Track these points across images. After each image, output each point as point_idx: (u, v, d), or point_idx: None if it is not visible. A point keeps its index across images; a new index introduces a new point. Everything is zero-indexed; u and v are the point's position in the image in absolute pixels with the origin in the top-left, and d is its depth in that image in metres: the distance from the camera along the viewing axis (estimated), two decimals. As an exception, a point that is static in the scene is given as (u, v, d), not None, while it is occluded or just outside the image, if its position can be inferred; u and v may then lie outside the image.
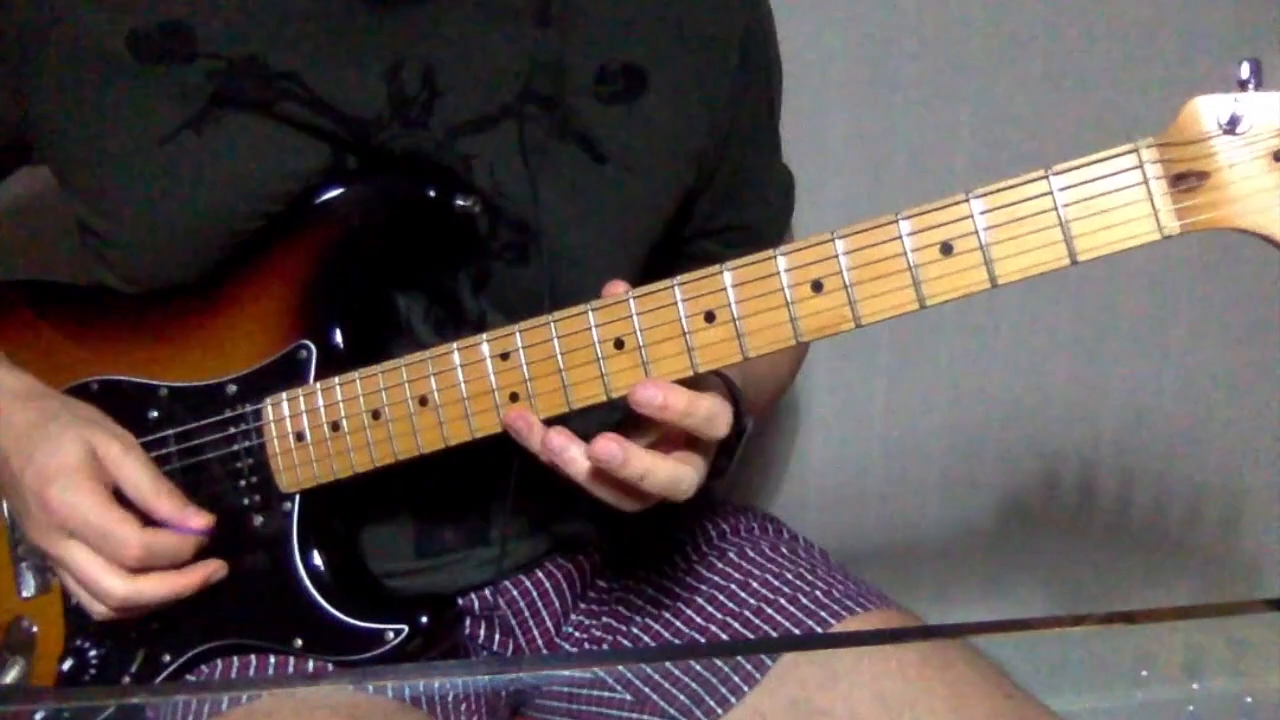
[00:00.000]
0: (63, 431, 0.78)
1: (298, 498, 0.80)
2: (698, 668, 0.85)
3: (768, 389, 0.98)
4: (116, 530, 0.76)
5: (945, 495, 1.60)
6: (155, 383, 0.84)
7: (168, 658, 0.83)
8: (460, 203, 0.79)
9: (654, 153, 0.87)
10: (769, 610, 0.88)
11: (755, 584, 0.90)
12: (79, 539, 0.77)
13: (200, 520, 0.80)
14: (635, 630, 0.92)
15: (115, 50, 0.79)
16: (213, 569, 0.81)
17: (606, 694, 0.89)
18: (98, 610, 0.79)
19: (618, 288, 0.70)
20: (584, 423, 0.71)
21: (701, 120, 0.88)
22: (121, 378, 0.84)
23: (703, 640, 0.89)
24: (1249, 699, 0.83)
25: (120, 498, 0.79)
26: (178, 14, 0.80)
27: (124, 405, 0.82)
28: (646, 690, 0.86)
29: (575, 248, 0.84)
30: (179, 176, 0.80)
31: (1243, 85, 0.58)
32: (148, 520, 0.79)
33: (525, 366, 0.72)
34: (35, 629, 0.87)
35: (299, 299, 0.81)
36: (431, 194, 0.79)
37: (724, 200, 0.93)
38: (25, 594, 0.87)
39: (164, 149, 0.80)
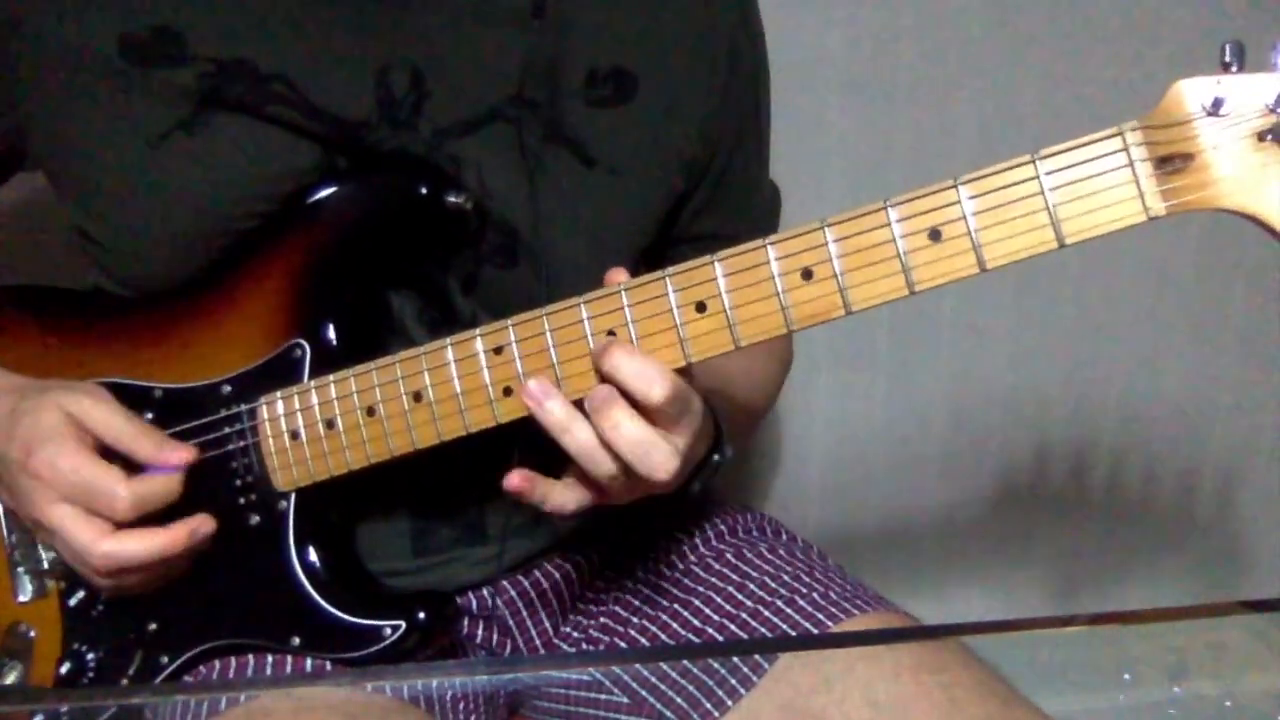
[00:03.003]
0: (35, 404, 0.78)
1: (293, 496, 0.81)
2: (694, 670, 0.84)
3: (745, 409, 0.99)
4: (103, 485, 0.76)
5: (945, 494, 1.60)
6: (150, 385, 0.84)
7: (165, 659, 0.83)
8: (452, 200, 0.80)
9: (643, 157, 0.87)
10: (766, 612, 0.88)
11: (753, 585, 0.90)
12: (68, 501, 0.77)
13: (180, 454, 0.79)
14: (633, 631, 0.92)
15: (106, 54, 0.80)
16: (198, 523, 0.80)
17: (603, 696, 0.88)
18: (95, 580, 0.79)
19: (619, 275, 0.71)
20: None
21: (691, 126, 0.89)
22: (117, 380, 0.84)
23: (699, 642, 0.89)
24: (1229, 702, 0.83)
25: (105, 453, 0.79)
26: (168, 18, 0.80)
27: None
28: (643, 693, 0.86)
29: (563, 251, 0.84)
30: (171, 178, 0.80)
31: (1225, 68, 0.59)
32: (134, 469, 0.79)
33: (519, 360, 0.72)
34: (32, 633, 0.87)
35: (292, 298, 0.81)
36: (423, 191, 0.79)
37: (706, 207, 0.94)
38: (22, 599, 0.87)
39: (156, 151, 0.80)
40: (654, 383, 0.68)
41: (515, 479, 0.72)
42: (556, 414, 0.70)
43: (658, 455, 0.69)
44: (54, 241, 1.15)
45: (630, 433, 0.68)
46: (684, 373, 0.71)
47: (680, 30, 0.88)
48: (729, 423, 0.83)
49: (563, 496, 0.74)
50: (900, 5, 1.39)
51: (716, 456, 0.81)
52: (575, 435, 0.70)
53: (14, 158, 0.88)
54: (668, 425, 0.70)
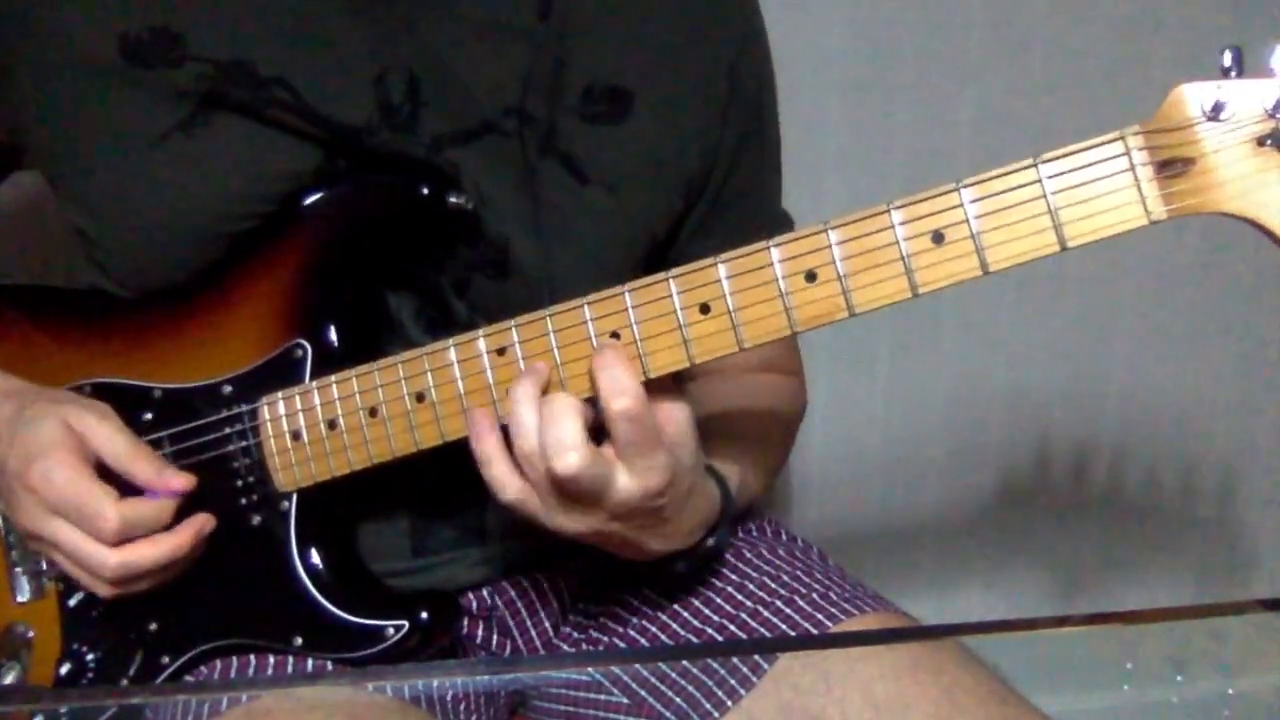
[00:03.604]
0: (39, 414, 0.78)
1: (295, 496, 0.81)
2: (694, 671, 0.84)
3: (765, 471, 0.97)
4: (91, 503, 0.76)
5: (945, 494, 1.60)
6: (150, 384, 0.84)
7: (166, 659, 0.83)
8: (453, 200, 0.80)
9: (638, 176, 0.87)
10: (765, 613, 0.88)
11: (752, 586, 0.90)
12: (60, 515, 0.77)
13: (180, 481, 0.79)
14: (632, 632, 0.92)
15: (106, 55, 0.80)
16: (200, 523, 0.80)
17: (604, 696, 0.88)
18: (98, 588, 0.79)
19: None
20: None
21: (689, 145, 0.89)
22: (116, 380, 0.84)
23: (699, 642, 0.89)
24: (1233, 695, 0.83)
25: (105, 471, 0.78)
26: (167, 19, 0.80)
27: (119, 407, 0.82)
28: (643, 693, 0.86)
29: (555, 267, 0.84)
30: (170, 179, 0.80)
31: (1225, 73, 0.60)
32: (130, 489, 0.78)
33: (522, 361, 0.72)
34: (31, 634, 0.87)
35: (293, 298, 0.81)
36: (425, 191, 0.79)
37: (703, 228, 0.93)
38: (20, 599, 0.87)
39: (155, 152, 0.80)
40: (621, 394, 0.67)
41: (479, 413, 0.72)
42: (520, 387, 0.70)
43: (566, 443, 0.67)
44: (53, 241, 1.15)
45: (563, 431, 0.67)
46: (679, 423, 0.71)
47: (681, 48, 0.88)
48: (743, 493, 0.84)
49: (504, 467, 0.72)
50: (900, 6, 1.40)
51: (711, 541, 0.80)
52: (519, 405, 0.69)
53: (12, 157, 0.88)
54: (624, 456, 0.69)
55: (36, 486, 0.76)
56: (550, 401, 0.68)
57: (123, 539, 0.77)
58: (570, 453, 0.67)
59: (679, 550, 0.79)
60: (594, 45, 0.86)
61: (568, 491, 0.69)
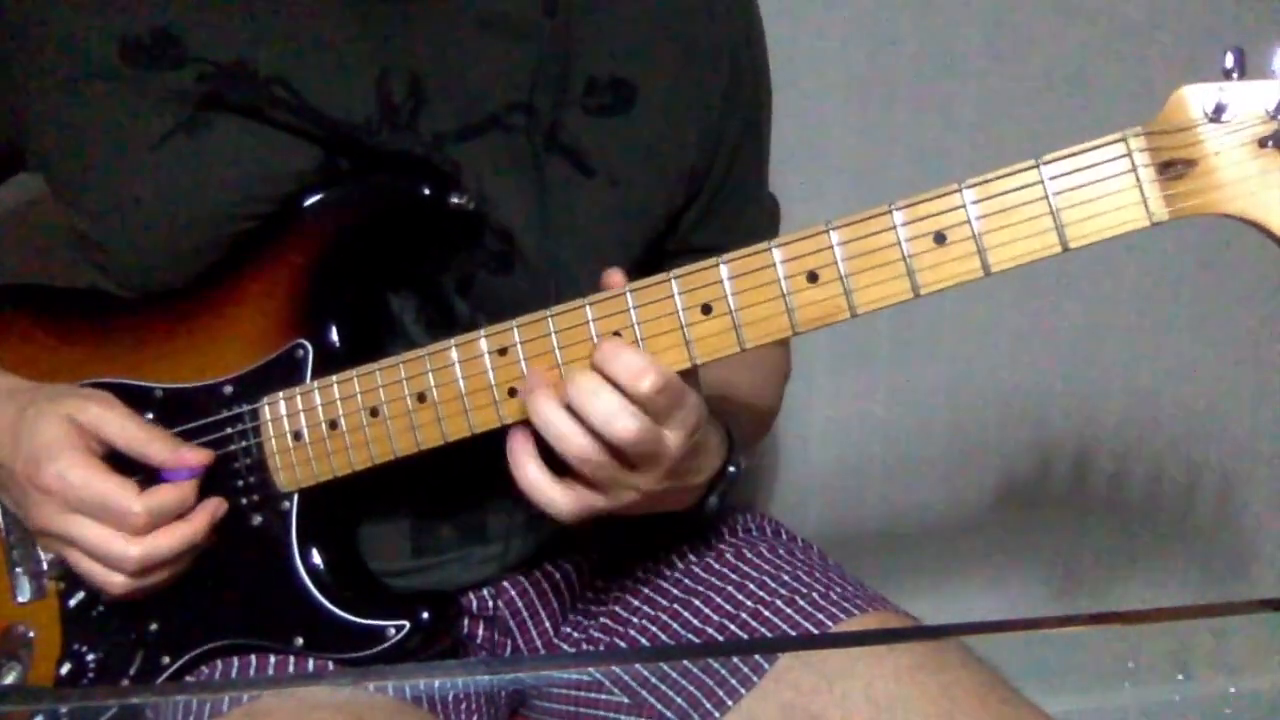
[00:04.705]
0: (40, 413, 0.78)
1: (296, 497, 0.81)
2: (694, 670, 0.84)
3: (753, 423, 0.99)
4: (115, 500, 0.76)
5: (945, 494, 1.60)
6: (151, 384, 0.84)
7: (167, 659, 0.83)
8: (454, 200, 0.80)
9: (642, 168, 0.87)
10: (766, 612, 0.88)
11: (753, 585, 0.90)
12: (81, 513, 0.77)
13: (196, 456, 0.80)
14: (633, 631, 0.92)
15: (106, 58, 0.80)
16: (214, 506, 0.80)
17: (604, 696, 0.88)
18: (115, 582, 0.78)
19: (615, 277, 0.71)
20: None
21: (691, 136, 0.89)
22: (117, 380, 0.84)
23: (699, 642, 0.89)
24: (1234, 695, 0.83)
25: (116, 458, 0.79)
26: (167, 21, 0.80)
27: None
28: (643, 693, 0.86)
29: (559, 260, 0.84)
30: (171, 180, 0.81)
31: (1227, 74, 0.60)
32: (145, 473, 0.79)
33: (523, 362, 0.72)
34: (32, 634, 0.87)
35: (294, 299, 0.81)
36: (426, 192, 0.79)
37: (702, 219, 0.94)
38: (21, 599, 0.87)
39: (155, 153, 0.80)
40: (643, 375, 0.68)
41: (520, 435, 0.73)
42: (541, 402, 0.70)
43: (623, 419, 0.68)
44: (54, 241, 1.15)
45: (605, 403, 0.68)
46: (689, 375, 0.71)
47: (682, 41, 0.88)
48: (740, 433, 0.84)
49: (545, 480, 0.73)
50: (900, 6, 1.40)
51: (732, 469, 0.82)
52: (549, 417, 0.70)
53: (13, 160, 0.88)
54: (659, 419, 0.70)
55: (52, 487, 0.76)
56: (576, 391, 0.69)
57: (150, 529, 0.77)
58: (618, 418, 0.68)
59: (711, 483, 0.81)
60: (598, 38, 0.86)
61: (631, 457, 0.70)
